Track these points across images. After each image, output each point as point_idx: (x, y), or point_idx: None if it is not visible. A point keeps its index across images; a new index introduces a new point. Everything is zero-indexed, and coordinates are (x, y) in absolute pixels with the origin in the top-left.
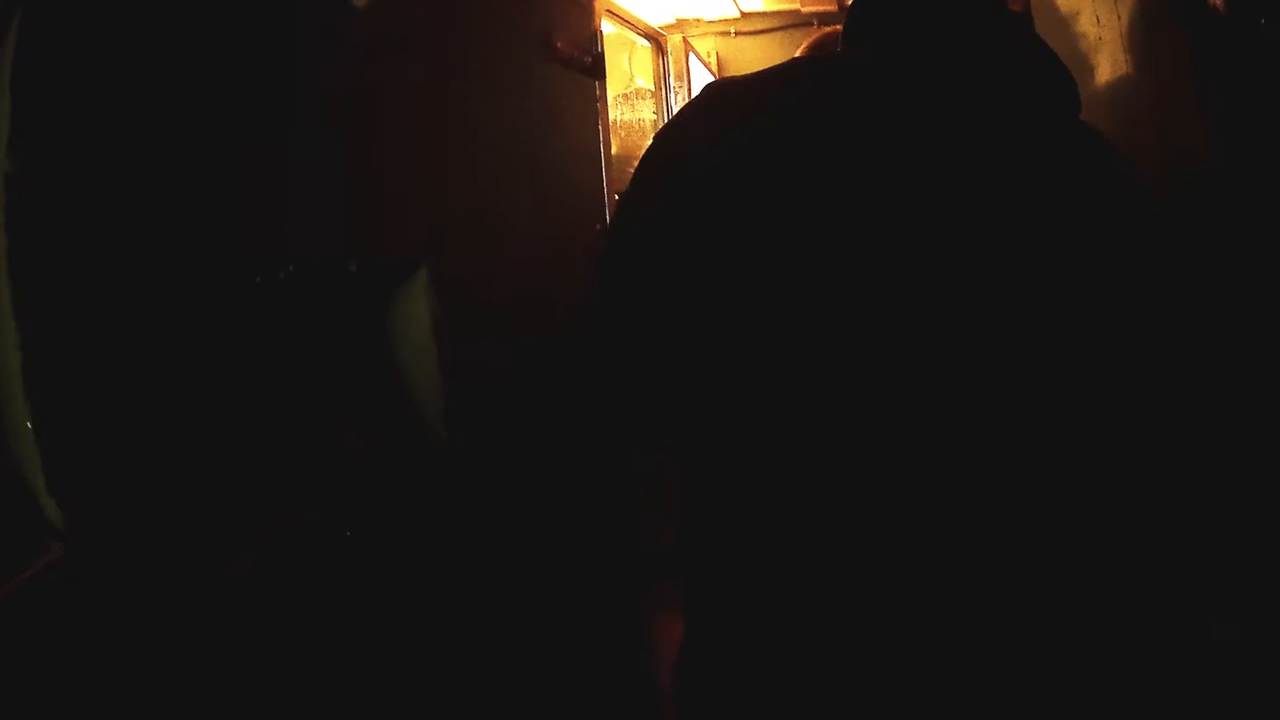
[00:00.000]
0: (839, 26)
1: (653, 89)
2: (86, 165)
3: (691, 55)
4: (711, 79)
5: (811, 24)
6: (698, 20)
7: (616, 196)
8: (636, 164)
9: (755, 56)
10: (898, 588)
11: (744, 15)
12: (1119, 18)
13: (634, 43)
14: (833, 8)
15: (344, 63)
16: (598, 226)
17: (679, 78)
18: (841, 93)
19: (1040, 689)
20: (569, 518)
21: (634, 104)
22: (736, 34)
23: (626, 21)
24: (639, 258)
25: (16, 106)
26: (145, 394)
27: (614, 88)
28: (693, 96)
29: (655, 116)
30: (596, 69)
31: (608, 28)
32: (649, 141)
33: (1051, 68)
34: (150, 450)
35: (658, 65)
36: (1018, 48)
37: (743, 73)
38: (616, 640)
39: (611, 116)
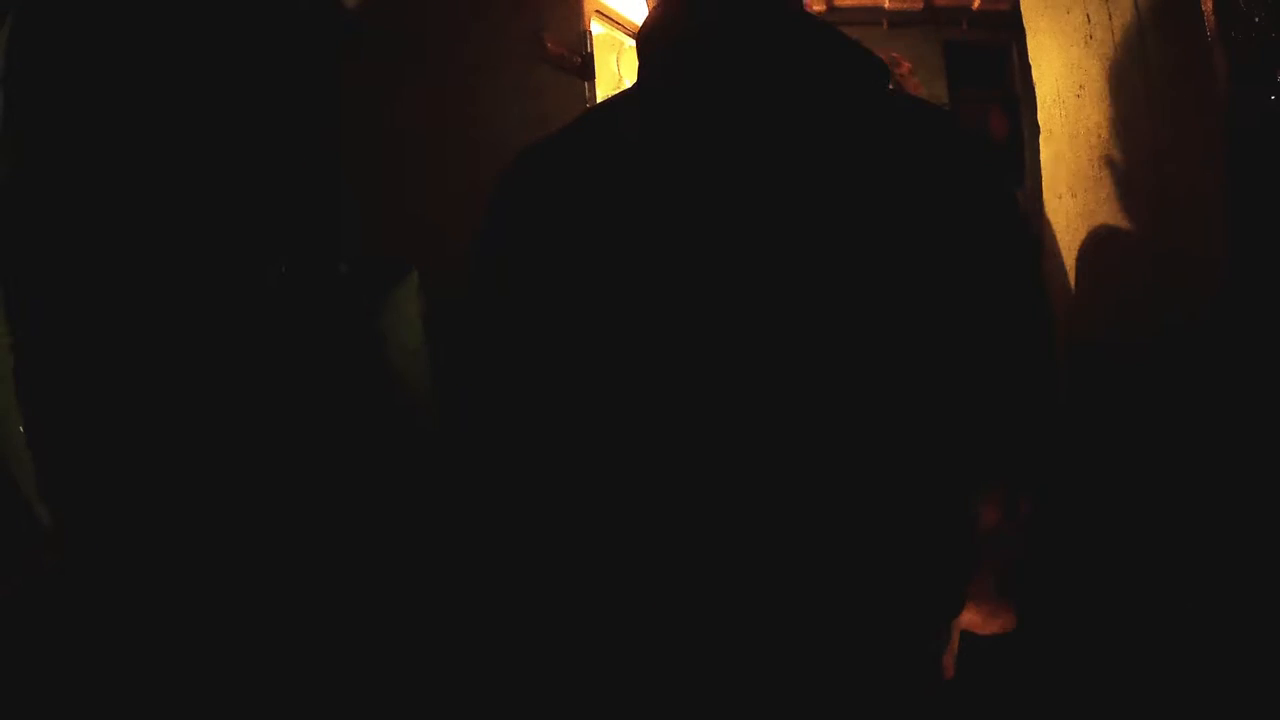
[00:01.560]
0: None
1: None
2: (79, 166)
3: None
4: None
5: None
6: None
7: None
8: (474, 247)
9: None
10: (730, 550)
11: None
12: (1109, 15)
13: (622, 43)
14: (821, 8)
15: (333, 64)
16: None
17: None
18: (649, 126)
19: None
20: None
21: None
22: None
23: (615, 22)
24: (515, 314)
25: (8, 107)
26: (138, 397)
27: (602, 88)
28: (520, 166)
29: None
30: (586, 69)
31: (597, 28)
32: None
33: (848, 51)
34: (143, 453)
35: None
36: (807, 39)
37: None
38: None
39: None
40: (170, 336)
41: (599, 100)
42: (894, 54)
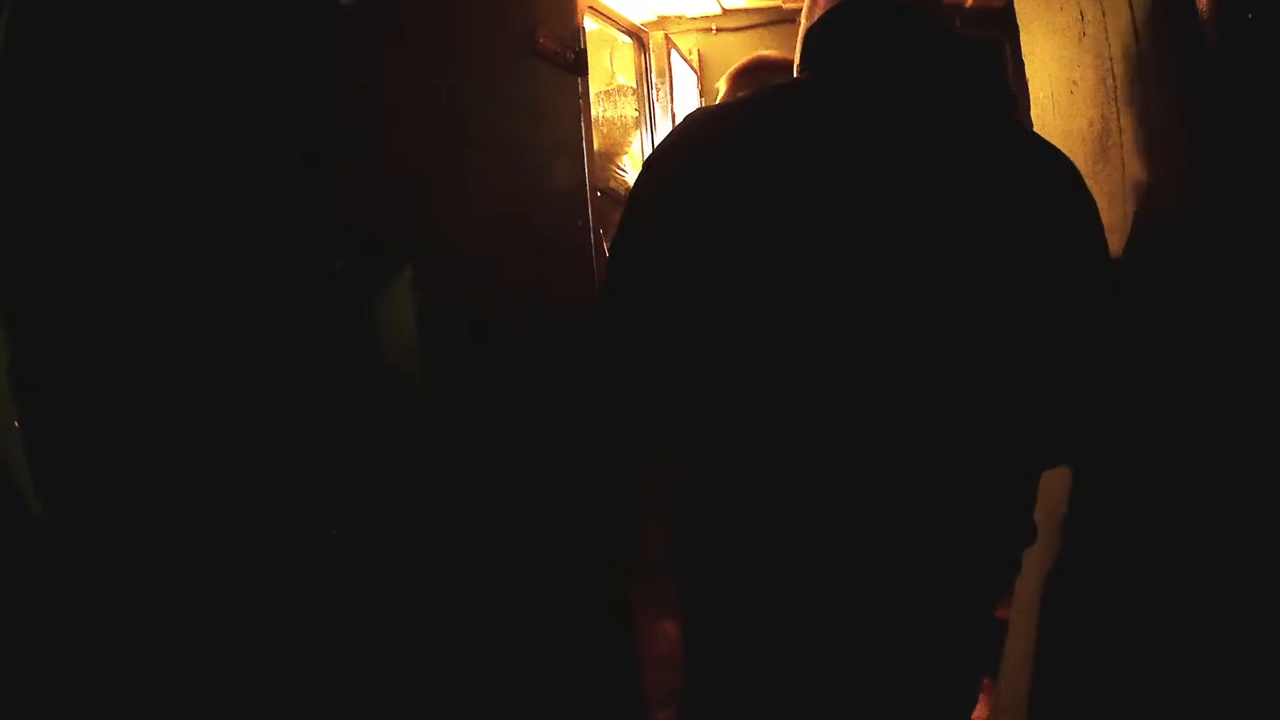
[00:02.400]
0: (770, 53)
1: (634, 86)
2: (73, 161)
3: (673, 52)
4: (693, 75)
5: (794, 20)
6: (680, 17)
7: (599, 193)
8: (634, 185)
9: (737, 54)
10: (859, 534)
11: (726, 12)
12: (1103, 13)
13: (616, 39)
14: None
15: (325, 58)
16: (579, 223)
17: (660, 75)
18: (814, 118)
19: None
20: (557, 517)
21: (616, 101)
22: (718, 31)
23: (609, 18)
24: (644, 272)
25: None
26: (134, 391)
27: (596, 84)
28: (679, 123)
29: (637, 113)
30: (579, 65)
31: (590, 24)
32: (630, 141)
33: (985, 77)
34: (139, 448)
35: (639, 62)
36: (954, 63)
37: (724, 68)
38: (603, 638)
39: (593, 113)
40: (166, 331)
41: (591, 96)
42: None
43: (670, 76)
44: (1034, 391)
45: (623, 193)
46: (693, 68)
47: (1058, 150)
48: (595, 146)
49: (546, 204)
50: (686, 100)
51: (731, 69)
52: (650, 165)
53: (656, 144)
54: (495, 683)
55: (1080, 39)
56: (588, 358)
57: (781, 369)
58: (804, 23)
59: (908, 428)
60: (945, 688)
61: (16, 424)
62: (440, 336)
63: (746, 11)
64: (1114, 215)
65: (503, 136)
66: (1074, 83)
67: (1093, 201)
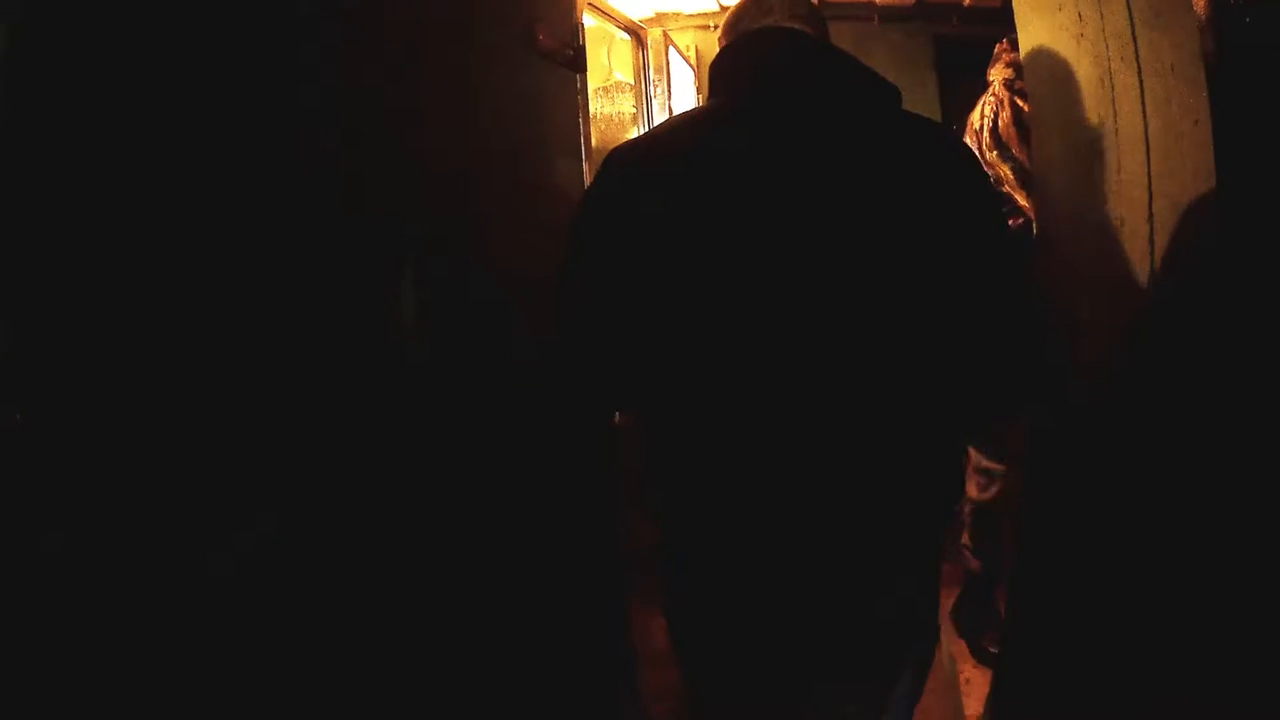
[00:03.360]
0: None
1: (632, 83)
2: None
3: (671, 49)
4: (690, 72)
5: None
6: (677, 14)
7: None
8: (576, 214)
9: None
10: (781, 469)
11: (723, 9)
12: (1101, 15)
13: (614, 36)
14: (814, 1)
15: (325, 53)
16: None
17: (659, 71)
18: (718, 138)
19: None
20: (551, 515)
21: (614, 97)
22: (716, 28)
23: (607, 14)
24: (592, 280)
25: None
26: (129, 387)
27: (594, 81)
28: (605, 159)
29: (634, 110)
30: (578, 62)
31: (588, 20)
32: (627, 136)
33: (870, 78)
34: (135, 444)
35: (637, 59)
36: (836, 70)
37: None
38: (597, 633)
39: (591, 109)
40: (163, 325)
41: (589, 91)
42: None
43: (668, 73)
44: (930, 352)
45: None
46: (690, 64)
47: (943, 131)
48: (593, 142)
49: (545, 199)
50: (684, 96)
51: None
52: (593, 192)
53: (597, 173)
54: (496, 677)
55: (1079, 39)
56: (561, 352)
57: (708, 349)
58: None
59: (814, 388)
60: (884, 631)
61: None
62: (438, 329)
63: None
64: (1109, 214)
65: (501, 132)
66: (1074, 81)
67: (975, 172)
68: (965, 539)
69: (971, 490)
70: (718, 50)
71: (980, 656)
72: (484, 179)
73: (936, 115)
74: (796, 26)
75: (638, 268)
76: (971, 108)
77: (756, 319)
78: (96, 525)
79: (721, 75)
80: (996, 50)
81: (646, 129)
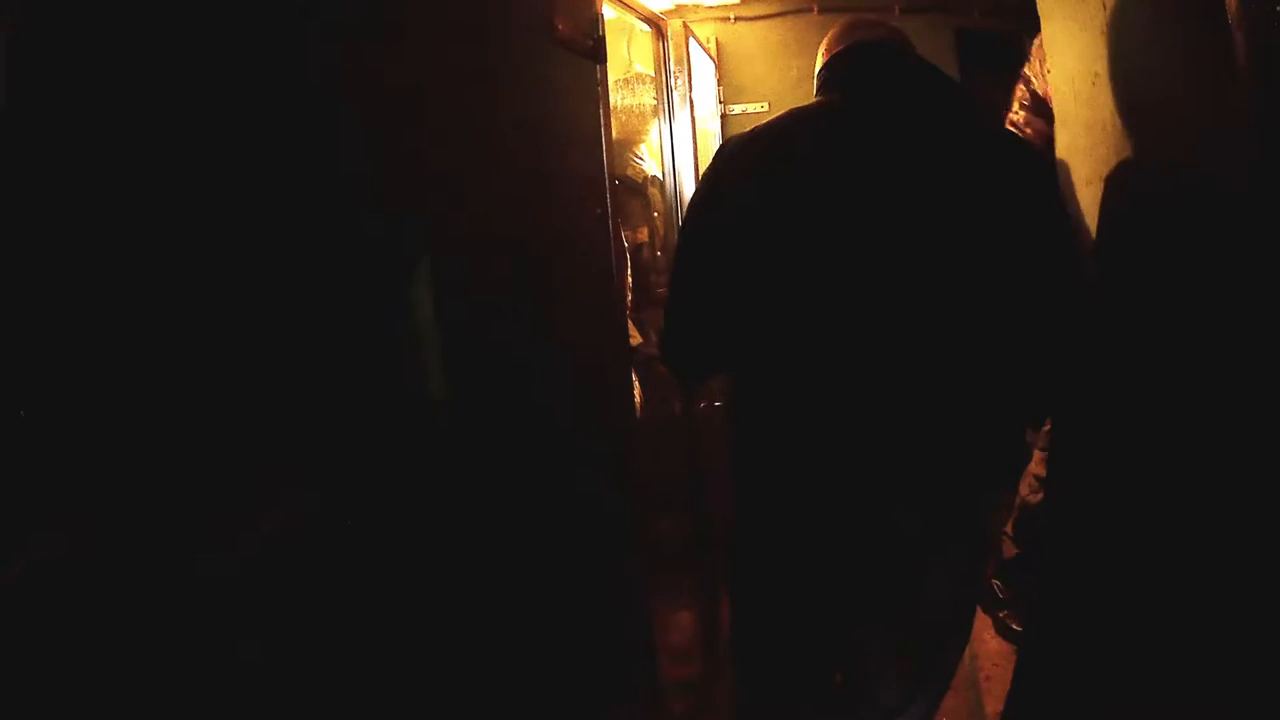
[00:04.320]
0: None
1: (652, 75)
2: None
3: (692, 41)
4: (710, 64)
5: (811, 10)
6: (697, 6)
7: (616, 181)
8: (693, 198)
9: (755, 43)
10: (858, 428)
11: (744, 1)
12: (1126, 4)
13: (634, 27)
14: None
15: (340, 38)
16: (598, 210)
17: (679, 63)
18: (827, 135)
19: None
20: (573, 509)
21: (634, 89)
22: (736, 20)
23: (627, 5)
24: (705, 257)
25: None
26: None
27: (614, 73)
28: (726, 142)
29: (654, 102)
30: (598, 52)
31: (608, 12)
32: (648, 129)
33: (952, 90)
34: (138, 437)
35: (658, 50)
36: (930, 83)
37: (741, 57)
38: (621, 630)
39: (611, 101)
40: (167, 314)
41: (609, 82)
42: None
43: (688, 65)
44: (991, 341)
45: (640, 181)
46: (711, 56)
47: (1018, 143)
48: (614, 134)
49: (565, 191)
50: (705, 89)
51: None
52: (705, 178)
53: (712, 159)
54: (516, 671)
55: (1103, 29)
56: (669, 323)
57: (800, 326)
58: (820, 60)
59: (891, 364)
60: (929, 596)
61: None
62: (457, 321)
63: (765, 0)
64: (1135, 207)
65: (521, 123)
66: (1096, 74)
67: (1048, 183)
68: (1009, 528)
69: (1023, 489)
70: (829, 54)
71: (1001, 629)
72: (502, 169)
73: None
74: (900, 43)
75: (743, 248)
76: (992, 101)
77: (846, 300)
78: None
79: (834, 77)
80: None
81: (666, 121)
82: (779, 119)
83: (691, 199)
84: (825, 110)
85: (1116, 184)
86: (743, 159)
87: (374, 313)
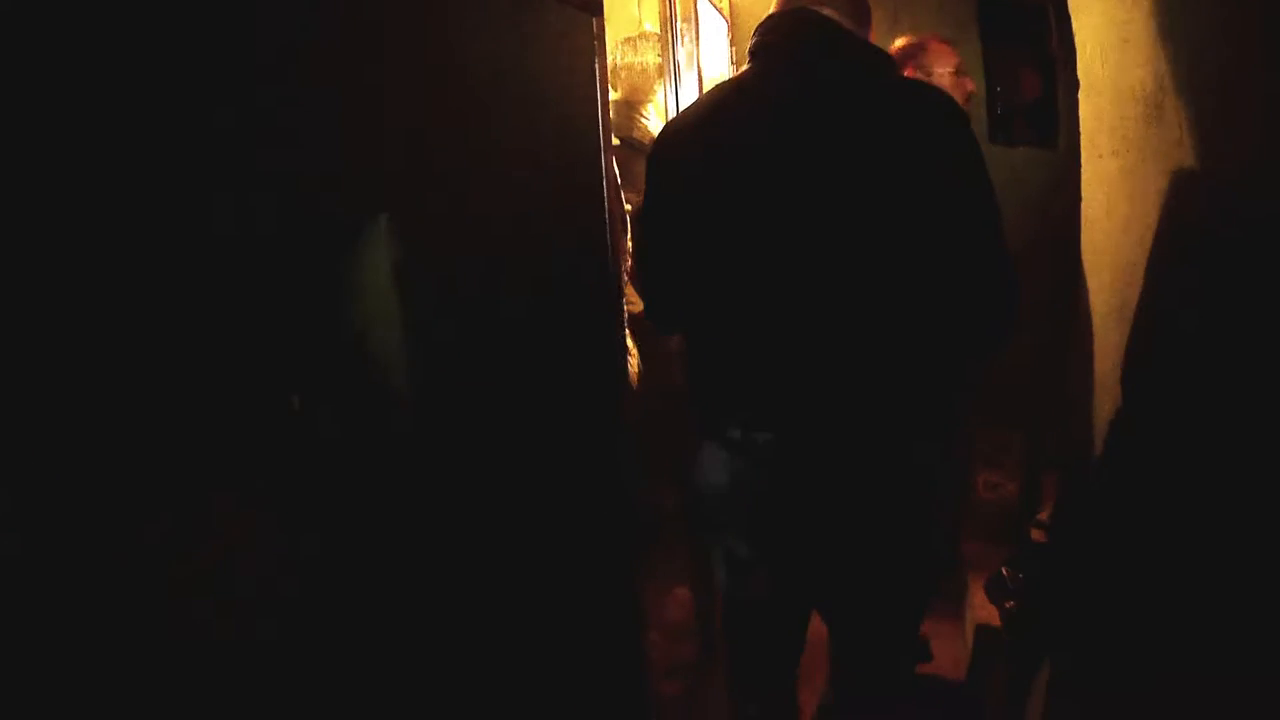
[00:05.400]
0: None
1: (659, 33)
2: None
3: None
4: (724, 23)
5: None
6: None
7: (620, 141)
8: (646, 173)
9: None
10: (796, 368)
11: None
12: None
13: None
14: None
15: None
16: (592, 173)
17: (686, 20)
18: (743, 103)
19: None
20: (555, 487)
21: (638, 47)
22: None
23: None
24: (659, 227)
25: None
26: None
27: (621, 31)
28: (669, 121)
29: (659, 60)
30: (594, 4)
31: None
32: (655, 89)
33: (869, 50)
34: (91, 432)
35: (665, 7)
36: (858, 52)
37: (757, 17)
38: (607, 614)
39: (616, 59)
40: (113, 300)
41: (615, 43)
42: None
43: (696, 22)
44: (913, 291)
45: (646, 142)
46: (723, 15)
47: (935, 92)
48: (618, 94)
49: (557, 151)
50: (716, 49)
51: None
52: (652, 153)
53: (658, 134)
54: (492, 651)
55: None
56: (639, 284)
57: (734, 280)
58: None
59: (811, 306)
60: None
61: None
62: (425, 291)
63: None
64: (1165, 179)
65: (502, 77)
66: (1125, 40)
67: (959, 127)
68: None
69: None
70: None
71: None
72: (482, 126)
73: (979, 76)
74: (826, 12)
75: (682, 217)
76: (1013, 71)
77: (771, 251)
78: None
79: (754, 47)
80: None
81: (671, 82)
82: (711, 91)
83: (646, 175)
84: (744, 79)
85: (1142, 150)
86: (680, 132)
87: (322, 292)
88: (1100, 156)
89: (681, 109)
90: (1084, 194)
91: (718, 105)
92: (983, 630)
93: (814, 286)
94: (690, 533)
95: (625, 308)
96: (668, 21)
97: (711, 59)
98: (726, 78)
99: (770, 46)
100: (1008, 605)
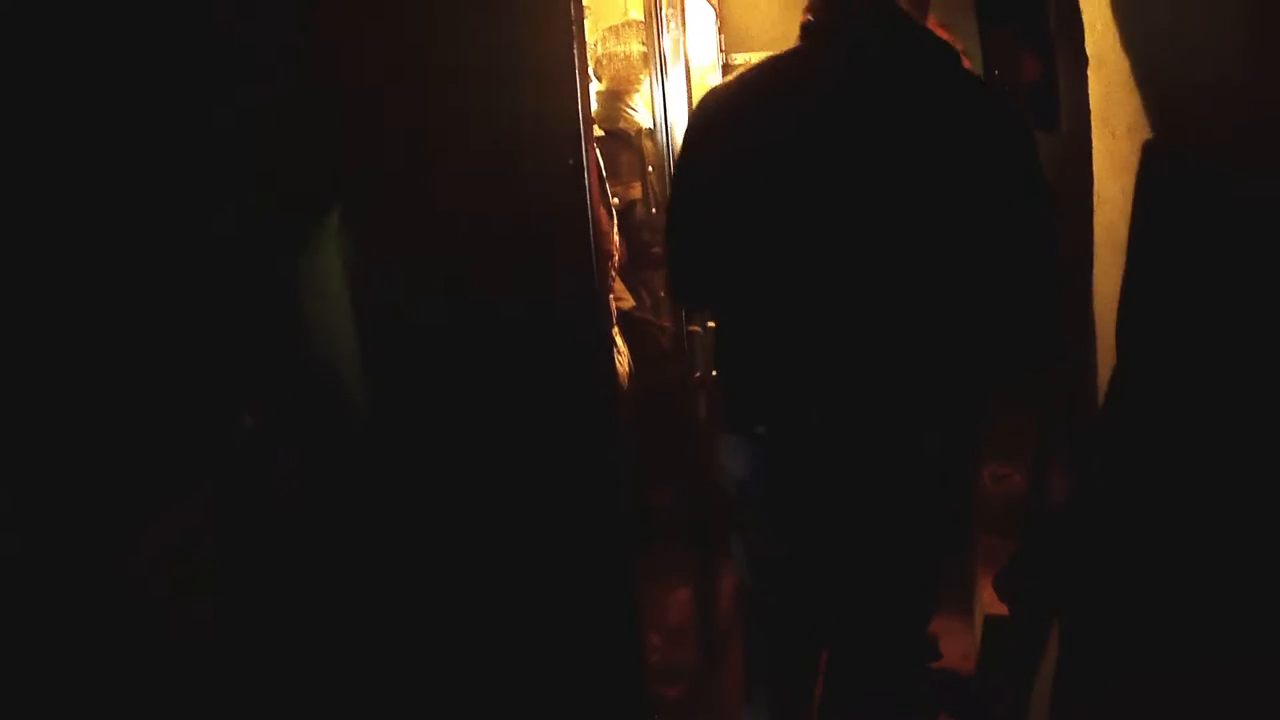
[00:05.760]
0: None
1: (644, 20)
2: None
3: None
4: (711, 10)
5: None
6: None
7: (605, 133)
8: (681, 145)
9: None
10: (830, 364)
11: None
12: None
13: None
14: None
15: None
16: (570, 162)
17: (672, 7)
18: (801, 81)
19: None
20: (545, 490)
21: (621, 34)
22: None
23: None
24: (691, 202)
25: None
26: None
27: (606, 19)
28: (704, 97)
29: (644, 49)
30: None
31: None
32: (640, 79)
33: (938, 44)
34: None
35: None
36: (913, 34)
37: (745, 4)
38: (604, 617)
39: (603, 49)
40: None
41: (600, 34)
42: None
43: (683, 10)
44: (964, 295)
45: (632, 133)
46: (710, 3)
47: (989, 89)
48: (604, 85)
49: (527, 140)
50: (703, 37)
51: None
52: (692, 124)
53: (697, 105)
54: (498, 663)
55: None
56: (668, 264)
57: (775, 266)
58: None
59: (859, 298)
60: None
61: None
62: (379, 292)
63: None
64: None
65: (469, 57)
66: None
67: (1012, 130)
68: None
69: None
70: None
71: None
72: (442, 113)
73: (976, 61)
74: None
75: (720, 196)
76: (1012, 52)
77: (818, 241)
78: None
79: (812, 24)
80: None
81: (658, 71)
82: (758, 66)
83: (682, 146)
84: (802, 57)
85: (1159, 128)
86: (723, 107)
87: (272, 289)
88: (1114, 135)
89: (724, 83)
90: (1096, 173)
91: (765, 82)
92: (991, 622)
93: (861, 280)
94: (693, 533)
95: (613, 304)
96: (653, 9)
97: (699, 48)
98: (773, 56)
99: (822, 26)
100: (1017, 597)
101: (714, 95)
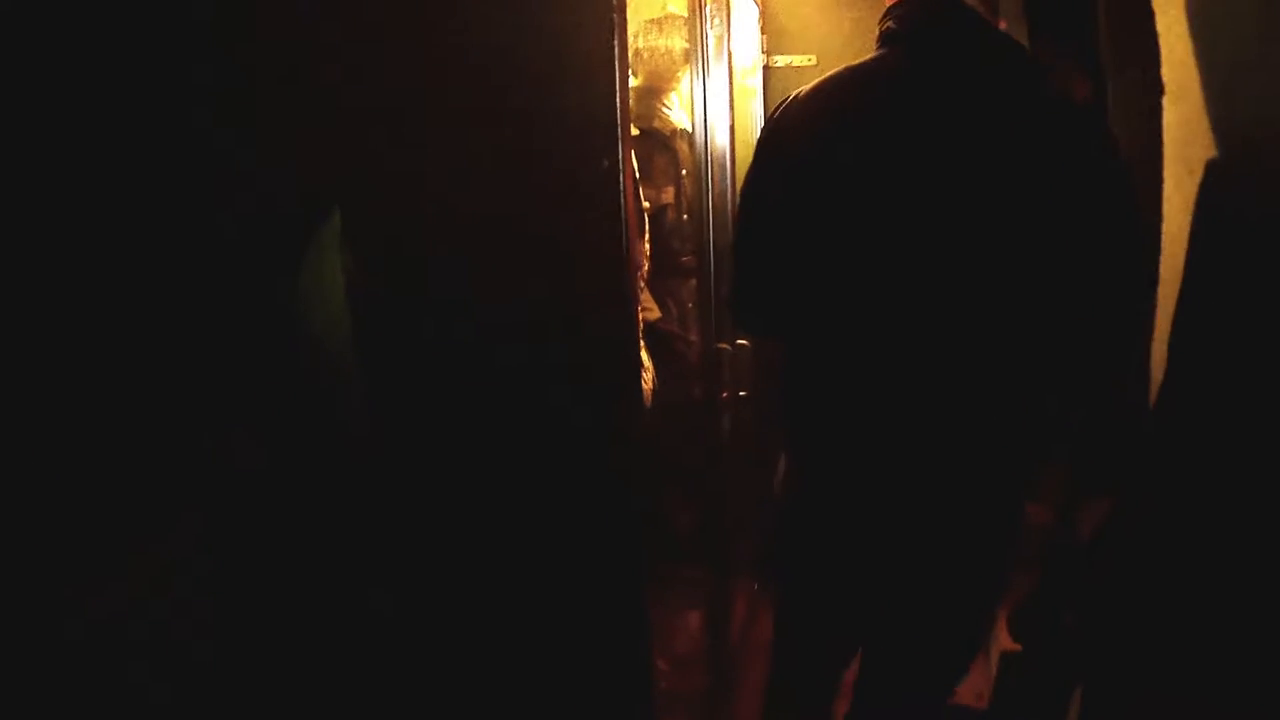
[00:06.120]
0: None
1: (686, 15)
2: None
3: None
4: (754, 9)
5: None
6: None
7: (640, 132)
8: (754, 153)
9: None
10: (905, 401)
11: None
12: None
13: None
14: None
15: None
16: (605, 163)
17: (717, 3)
18: (886, 91)
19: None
20: (559, 508)
21: (665, 29)
22: None
23: None
24: (761, 217)
25: None
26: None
27: (646, 11)
28: (786, 100)
29: (686, 44)
30: None
31: None
32: (679, 77)
33: (1021, 54)
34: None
35: None
36: (998, 43)
37: (789, 3)
38: (613, 639)
39: (641, 42)
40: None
41: (639, 25)
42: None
43: (728, 6)
44: (1050, 324)
45: (667, 133)
46: (755, 1)
47: (1084, 112)
48: (640, 80)
49: (561, 139)
50: (746, 36)
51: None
52: (769, 130)
53: (776, 111)
54: (501, 684)
55: None
56: (736, 278)
57: (857, 290)
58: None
59: (942, 331)
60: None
61: None
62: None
63: None
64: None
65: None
66: (1262, 32)
67: (1105, 155)
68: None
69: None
70: (889, 3)
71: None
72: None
73: None
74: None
75: (804, 206)
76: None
77: (901, 266)
78: None
79: (893, 31)
80: None
81: (700, 69)
82: (839, 74)
83: (754, 159)
84: (886, 67)
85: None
86: (800, 117)
87: (277, 294)
88: (1190, 173)
89: (801, 91)
90: (1166, 211)
91: (845, 93)
92: (1008, 659)
93: (945, 309)
94: (710, 556)
95: (640, 316)
96: (697, 4)
97: (740, 48)
98: (854, 64)
99: (906, 35)
100: (1033, 635)
101: (793, 104)
